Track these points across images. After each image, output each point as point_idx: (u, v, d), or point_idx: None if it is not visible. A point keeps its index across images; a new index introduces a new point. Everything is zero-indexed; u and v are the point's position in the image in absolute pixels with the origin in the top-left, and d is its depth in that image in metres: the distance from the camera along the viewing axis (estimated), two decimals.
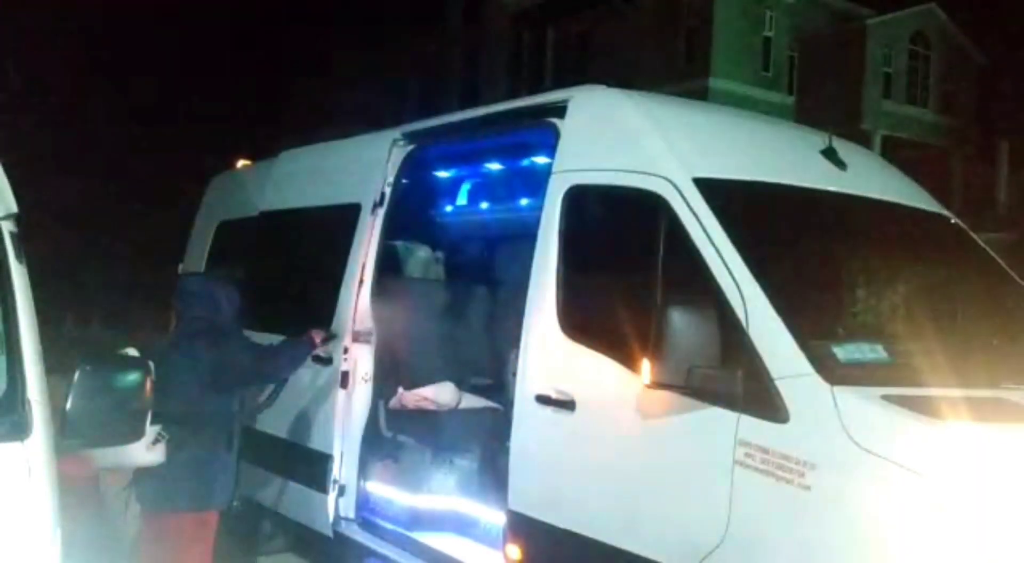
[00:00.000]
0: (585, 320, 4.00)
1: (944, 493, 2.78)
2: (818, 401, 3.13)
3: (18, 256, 2.50)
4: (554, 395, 4.03)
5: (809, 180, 4.10)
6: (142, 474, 4.43)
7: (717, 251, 3.53)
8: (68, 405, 2.35)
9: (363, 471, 5.46)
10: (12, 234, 2.53)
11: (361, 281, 5.44)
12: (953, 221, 4.56)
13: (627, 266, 3.93)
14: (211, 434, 4.47)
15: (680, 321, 3.37)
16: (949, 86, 30.70)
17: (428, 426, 5.35)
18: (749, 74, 27.07)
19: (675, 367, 3.37)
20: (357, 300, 5.44)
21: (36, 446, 2.22)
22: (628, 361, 3.71)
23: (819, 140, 4.44)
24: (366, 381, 5.44)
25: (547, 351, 4.13)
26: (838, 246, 3.92)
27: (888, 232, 4.15)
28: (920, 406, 3.00)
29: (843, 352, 3.33)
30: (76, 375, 2.37)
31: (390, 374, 5.55)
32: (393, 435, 5.47)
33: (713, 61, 25.92)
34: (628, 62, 26.09)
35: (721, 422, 3.34)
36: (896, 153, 21.62)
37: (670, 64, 25.65)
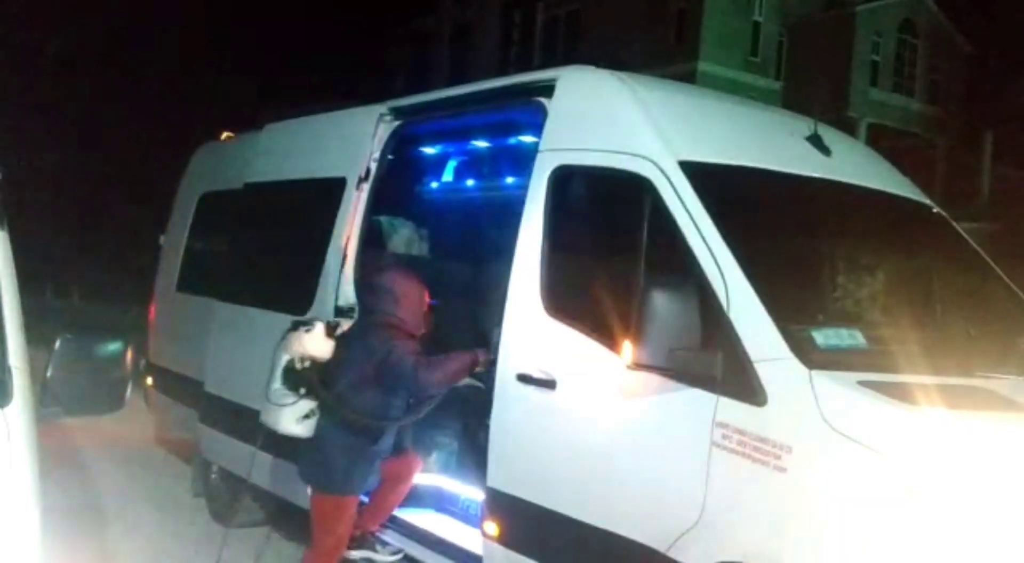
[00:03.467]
0: (568, 300, 4.02)
1: (916, 478, 2.82)
2: (795, 385, 3.16)
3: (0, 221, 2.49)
4: (535, 374, 4.05)
5: (794, 166, 4.11)
6: (303, 450, 4.61)
7: (700, 234, 3.55)
8: (48, 373, 2.35)
9: None
10: None
11: (345, 257, 5.44)
12: (935, 210, 4.60)
13: (611, 247, 3.95)
14: (364, 425, 4.48)
15: (662, 303, 3.39)
16: (936, 75, 30.83)
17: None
18: (738, 59, 27.06)
19: (656, 348, 3.40)
20: (340, 276, 5.44)
21: (16, 413, 2.21)
22: (610, 341, 3.73)
23: (805, 126, 4.45)
24: None
25: (529, 330, 4.14)
26: (820, 232, 3.95)
27: (870, 220, 4.18)
28: (895, 392, 3.04)
29: (821, 337, 3.36)
30: (57, 344, 2.36)
31: None
32: None
33: (702, 45, 25.89)
34: (617, 43, 26.02)
35: (700, 403, 3.36)
36: (881, 141, 21.71)
37: (659, 46, 25.59)
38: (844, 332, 3.43)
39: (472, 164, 6.88)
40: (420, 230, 6.78)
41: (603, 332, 3.78)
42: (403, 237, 6.65)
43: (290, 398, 4.53)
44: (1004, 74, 29.89)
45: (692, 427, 3.37)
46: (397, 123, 5.52)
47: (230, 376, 6.31)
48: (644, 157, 3.85)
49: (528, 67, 29.26)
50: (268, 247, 6.35)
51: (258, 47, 24.84)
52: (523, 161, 6.02)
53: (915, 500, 2.79)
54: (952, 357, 3.49)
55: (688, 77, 24.90)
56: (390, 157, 5.55)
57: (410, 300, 4.63)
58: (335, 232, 5.52)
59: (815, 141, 4.32)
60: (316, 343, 4.61)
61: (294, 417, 4.53)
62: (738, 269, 3.43)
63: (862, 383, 3.10)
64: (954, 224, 4.57)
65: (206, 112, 22.04)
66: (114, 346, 2.48)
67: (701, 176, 3.73)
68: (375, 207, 5.55)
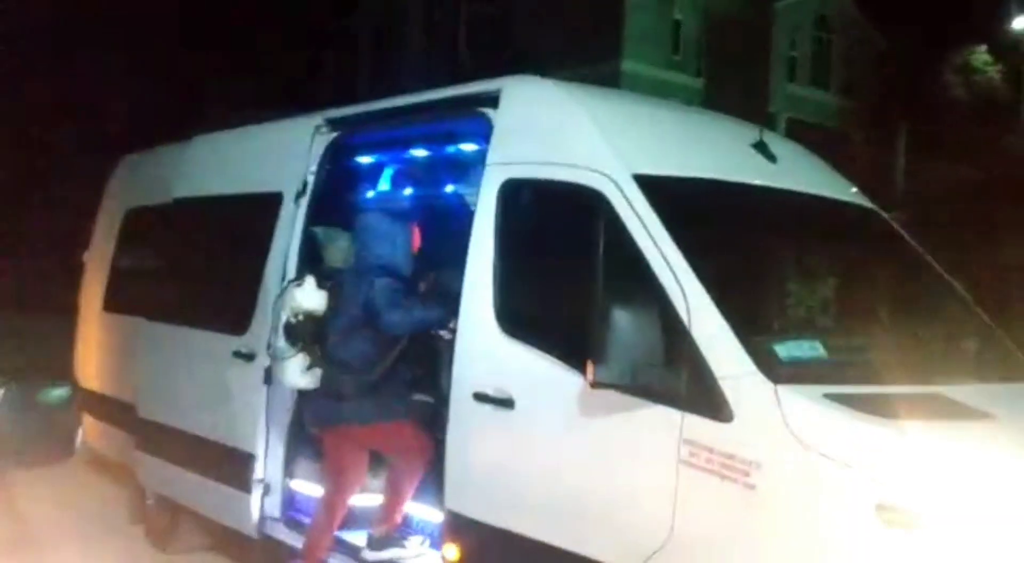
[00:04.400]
0: (523, 317, 3.95)
1: (889, 491, 2.82)
2: (762, 400, 3.14)
3: None
4: (492, 393, 3.96)
5: (743, 175, 4.11)
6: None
7: (658, 250, 3.51)
8: None
9: (289, 469, 5.33)
10: None
11: (284, 274, 5.27)
12: (877, 214, 4.64)
13: (566, 262, 3.86)
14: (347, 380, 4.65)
15: (623, 320, 3.33)
16: (851, 70, 31.58)
17: None
18: (660, 57, 27.30)
19: (618, 366, 3.33)
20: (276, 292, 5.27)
21: None
22: (569, 359, 3.67)
23: (749, 132, 4.46)
24: None
25: (484, 347, 4.05)
26: (773, 242, 3.95)
27: (819, 227, 4.20)
28: (862, 405, 3.04)
29: (784, 350, 3.35)
30: (0, 394, 2.20)
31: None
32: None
33: (624, 44, 26.04)
34: (541, 43, 26.04)
35: (665, 421, 3.33)
36: (800, 135, 22.10)
37: (582, 46, 25.63)
38: (805, 344, 3.43)
39: (409, 172, 6.74)
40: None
41: (562, 350, 3.72)
42: (340, 249, 6.45)
43: (289, 352, 4.70)
44: (917, 68, 30.79)
45: (658, 445, 3.33)
46: (334, 135, 5.38)
47: (166, 400, 6.08)
48: (597, 171, 3.79)
49: (452, 68, 29.22)
50: (202, 265, 6.13)
51: (175, 50, 24.08)
52: (462, 169, 5.95)
53: (888, 515, 2.79)
54: (909, 364, 3.51)
55: (612, 76, 25.06)
56: (327, 168, 5.41)
57: (396, 239, 4.83)
58: (273, 249, 5.36)
59: (761, 148, 4.32)
60: (308, 296, 4.75)
61: (298, 370, 4.72)
62: (698, 283, 3.39)
63: (828, 396, 3.10)
64: (897, 228, 4.62)
65: (123, 117, 21.34)
66: (59, 392, 2.32)
67: (655, 189, 3.69)
68: (309, 218, 5.40)
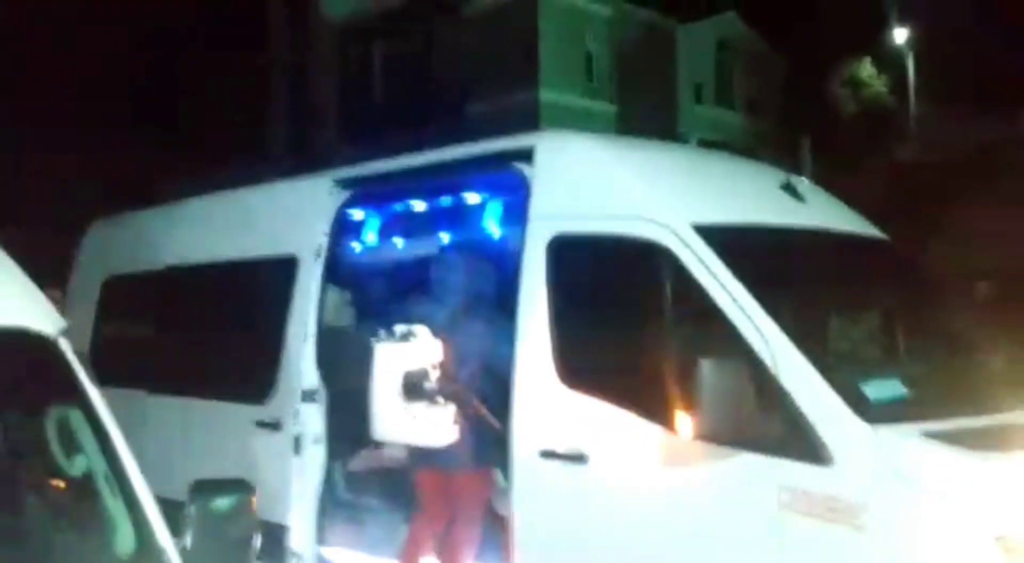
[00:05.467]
0: (590, 371, 3.98)
1: (1004, 525, 2.95)
2: (861, 442, 3.24)
3: (91, 377, 2.24)
4: (561, 449, 3.98)
5: (784, 218, 4.25)
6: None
7: (732, 298, 3.60)
8: (188, 543, 2.10)
9: (321, 537, 5.22)
10: (80, 354, 2.26)
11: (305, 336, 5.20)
12: (894, 246, 4.84)
13: (630, 315, 3.93)
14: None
15: (712, 372, 3.40)
16: (752, 89, 32.76)
17: (396, 485, 5.17)
18: (576, 85, 27.81)
19: (710, 418, 3.41)
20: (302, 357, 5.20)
21: None
22: (645, 411, 3.73)
23: (773, 174, 4.63)
24: (318, 443, 5.20)
25: (547, 404, 4.07)
26: (827, 282, 4.08)
27: (858, 264, 4.36)
28: (962, 440, 3.18)
29: (870, 390, 3.46)
30: (192, 510, 2.13)
31: (342, 432, 5.33)
32: (355, 497, 5.27)
33: (541, 74, 26.43)
34: (459, 76, 26.26)
35: (761, 468, 3.40)
36: None
37: (502, 78, 25.95)
38: (888, 382, 3.56)
39: (398, 223, 6.70)
40: (344, 295, 6.55)
41: (636, 402, 3.77)
42: (330, 304, 6.37)
43: (433, 408, 4.50)
44: (811, 84, 32.12)
45: (756, 493, 3.40)
46: (347, 194, 5.35)
47: (179, 476, 5.86)
48: (655, 222, 3.88)
49: (370, 102, 28.98)
50: (208, 333, 5.96)
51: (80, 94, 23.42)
52: (458, 218, 5.96)
53: (1007, 544, 2.92)
54: (976, 393, 3.68)
55: (531, 106, 25.45)
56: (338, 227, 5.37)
57: (484, 272, 4.94)
58: (293, 313, 5.27)
59: (789, 190, 4.48)
60: (430, 348, 4.58)
61: (449, 424, 4.53)
62: (777, 329, 3.50)
63: (927, 434, 3.22)
64: (912, 257, 4.84)
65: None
66: (226, 500, 2.25)
67: (714, 238, 3.79)
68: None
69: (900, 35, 30.51)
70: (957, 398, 3.57)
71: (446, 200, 5.86)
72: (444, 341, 4.62)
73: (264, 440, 5.27)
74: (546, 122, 25.63)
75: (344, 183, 5.36)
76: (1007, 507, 2.98)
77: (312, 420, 5.17)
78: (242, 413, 5.40)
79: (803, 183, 4.77)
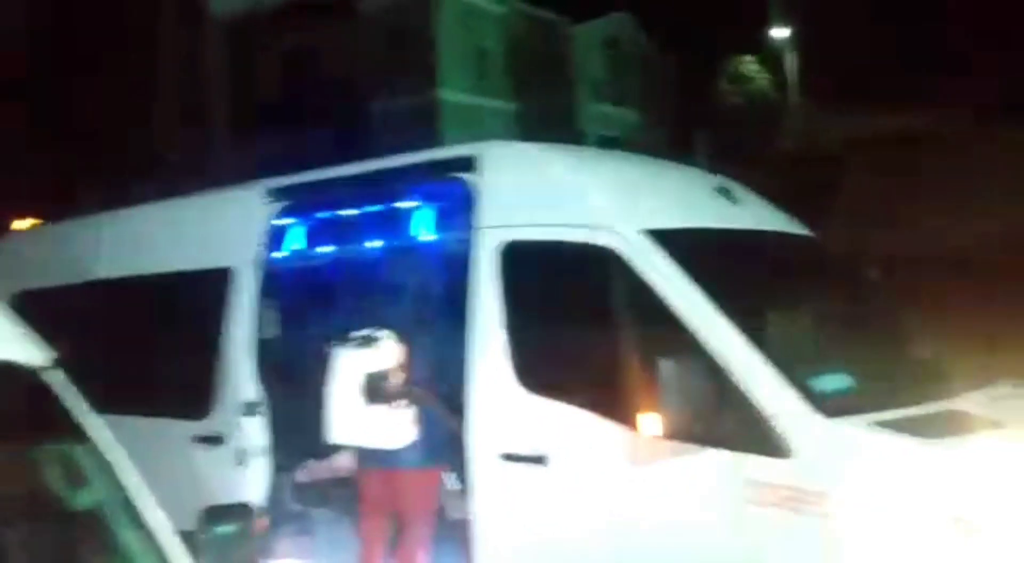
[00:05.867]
0: (549, 374, 4.05)
1: (962, 507, 3.15)
2: (818, 434, 3.41)
3: (89, 406, 2.19)
4: (524, 452, 4.04)
5: (724, 221, 4.41)
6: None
7: (686, 300, 3.73)
8: None
9: (270, 551, 5.15)
10: (74, 384, 2.21)
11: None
12: (820, 243, 5.07)
13: (586, 320, 4.01)
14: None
15: (671, 372, 3.52)
16: (647, 86, 33.47)
17: (345, 494, 5.14)
18: (473, 84, 27.91)
19: (673, 416, 3.53)
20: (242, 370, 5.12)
21: None
22: (606, 412, 3.82)
23: (708, 179, 4.80)
24: (262, 455, 5.13)
25: (507, 407, 4.13)
26: (768, 281, 4.25)
27: (792, 261, 4.56)
28: (912, 429, 3.37)
29: (820, 384, 3.64)
30: (202, 537, 2.11)
31: (286, 443, 5.26)
32: (303, 509, 5.22)
33: (439, 73, 26.44)
34: (355, 76, 26.00)
35: (722, 464, 3.53)
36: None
37: (399, 77, 25.84)
38: (836, 376, 3.74)
39: (325, 229, 6.63)
40: (268, 303, 6.45)
41: (595, 404, 3.86)
42: (273, 320, 6.30)
43: (395, 409, 4.57)
44: (700, 79, 33.05)
45: (720, 488, 3.53)
46: (282, 204, 5.29)
47: None
48: (607, 229, 3.98)
49: (264, 101, 28.32)
50: (135, 349, 5.78)
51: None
52: (388, 225, 5.94)
53: (963, 525, 3.12)
54: (921, 382, 3.91)
55: (431, 105, 25.42)
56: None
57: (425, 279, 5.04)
58: (230, 324, 5.18)
59: (724, 193, 4.65)
60: (395, 351, 4.66)
61: (412, 424, 4.61)
62: (733, 329, 3.64)
63: (878, 424, 3.41)
64: (837, 253, 5.09)
65: None
66: (243, 522, 2.23)
67: (665, 243, 3.91)
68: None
69: (782, 32, 31.61)
70: (899, 389, 3.79)
71: (378, 208, 5.83)
72: (404, 343, 4.67)
73: (206, 455, 5.16)
74: (445, 121, 25.68)
75: (277, 193, 5.30)
76: (960, 489, 3.18)
77: (255, 433, 5.10)
78: (181, 429, 5.28)
79: (735, 186, 4.95)
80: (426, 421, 4.65)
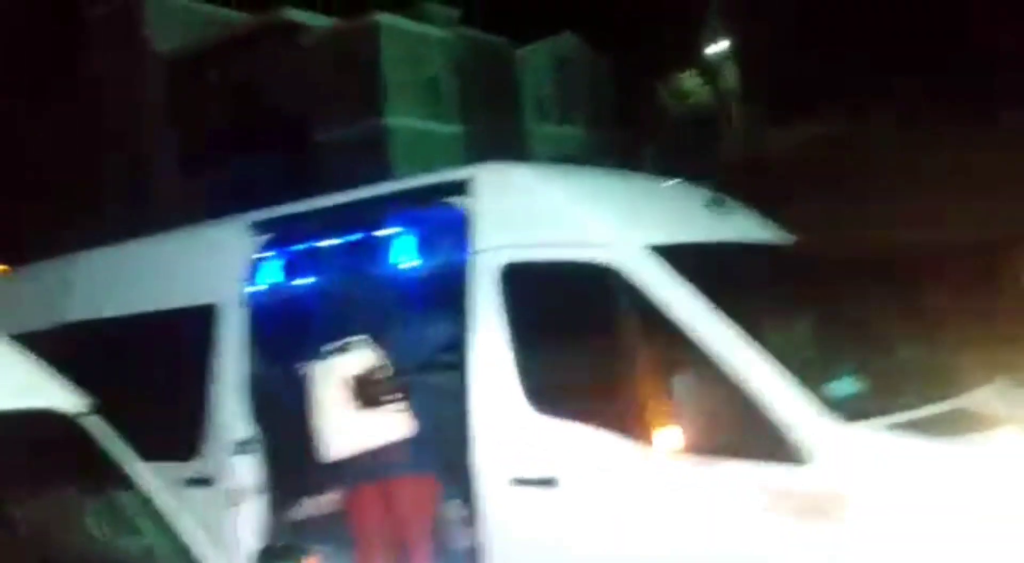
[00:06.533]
0: (560, 394, 4.02)
1: (982, 505, 3.18)
2: (834, 439, 3.43)
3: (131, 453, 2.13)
4: (534, 475, 4.00)
5: (720, 233, 4.44)
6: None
7: (695, 313, 3.74)
8: None
9: None
10: (113, 431, 2.14)
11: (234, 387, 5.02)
12: (803, 248, 5.11)
13: (594, 338, 4.00)
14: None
15: (685, 386, 3.53)
16: (592, 104, 33.81)
17: (342, 529, 5.03)
18: (422, 110, 27.90)
19: (688, 430, 3.53)
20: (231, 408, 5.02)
21: None
22: (619, 430, 3.80)
23: (697, 192, 4.83)
24: (255, 494, 5.02)
25: (515, 431, 4.09)
26: (768, 290, 4.28)
27: (788, 269, 4.59)
28: (926, 429, 3.41)
29: (832, 389, 3.67)
30: None
31: (279, 480, 5.16)
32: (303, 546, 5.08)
33: (387, 100, 26.38)
34: (302, 106, 25.85)
35: (742, 475, 3.53)
36: None
37: (347, 105, 25.74)
38: (846, 381, 3.77)
39: (309, 261, 6.54)
40: (254, 339, 6.32)
41: (608, 422, 3.84)
42: (252, 352, 6.18)
43: (390, 404, 4.56)
44: (644, 94, 33.55)
45: (740, 498, 3.53)
46: (266, 237, 5.21)
47: None
48: (609, 246, 3.98)
49: (210, 134, 28.01)
50: (118, 392, 5.60)
51: None
52: (377, 253, 5.88)
53: (995, 526, 3.14)
54: (928, 382, 3.95)
55: (379, 132, 25.36)
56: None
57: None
58: (218, 364, 5.08)
59: (717, 206, 4.67)
60: (371, 351, 4.67)
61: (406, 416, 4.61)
62: (743, 340, 3.65)
63: (893, 426, 3.44)
64: (826, 257, 5.13)
65: None
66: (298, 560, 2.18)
67: (667, 257, 3.92)
68: None
69: (718, 47, 32.19)
70: (908, 390, 3.83)
71: (366, 237, 5.77)
72: (382, 343, 4.70)
73: (197, 497, 5.02)
74: (395, 147, 25.63)
75: (263, 226, 5.22)
76: (985, 487, 3.21)
77: (247, 472, 5.00)
78: (170, 472, 5.11)
79: (726, 198, 5.00)
80: (416, 421, 4.63)
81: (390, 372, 4.59)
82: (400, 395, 4.57)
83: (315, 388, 4.61)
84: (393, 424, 4.58)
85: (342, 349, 4.65)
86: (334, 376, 4.56)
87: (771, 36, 29.10)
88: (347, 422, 4.52)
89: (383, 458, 4.58)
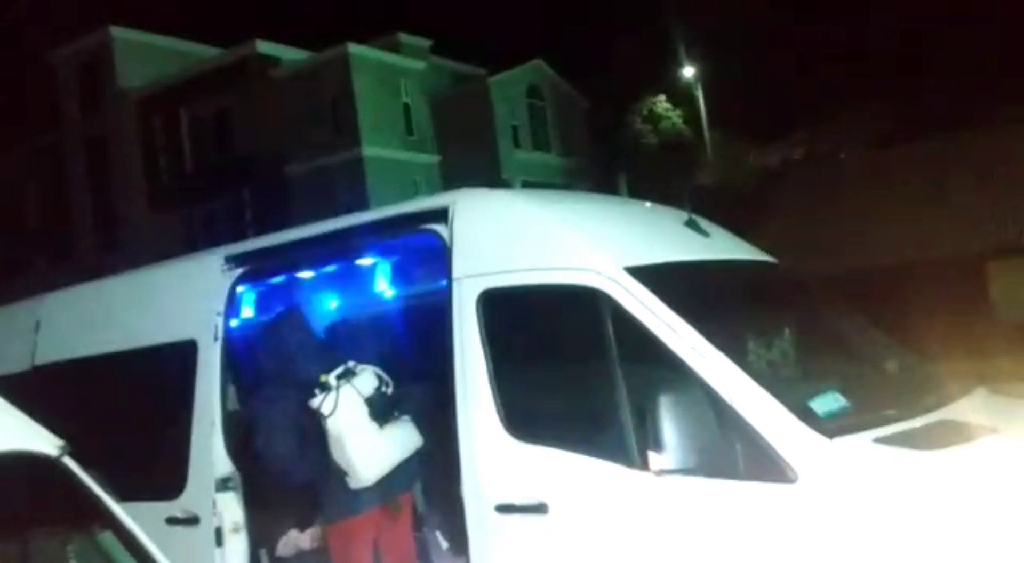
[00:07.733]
0: (538, 420, 4.00)
1: (974, 516, 3.17)
2: (822, 456, 3.42)
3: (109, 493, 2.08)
4: (519, 501, 3.96)
5: (699, 253, 4.45)
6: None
7: (677, 334, 3.72)
8: None
9: None
10: (91, 472, 2.10)
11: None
12: (781, 267, 5.15)
13: (575, 361, 3.99)
14: None
15: (671, 407, 3.50)
16: (565, 130, 34.05)
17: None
18: (396, 139, 27.96)
19: (675, 451, 3.51)
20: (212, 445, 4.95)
21: None
22: (604, 454, 3.77)
23: (674, 213, 4.85)
24: (239, 531, 4.95)
25: (498, 458, 4.05)
26: (750, 308, 4.29)
27: (766, 288, 4.62)
28: (912, 442, 3.41)
29: (818, 406, 3.66)
30: None
31: (262, 516, 5.08)
32: None
33: (361, 131, 26.40)
34: (275, 138, 25.83)
35: (731, 495, 3.51)
36: None
37: (320, 137, 25.75)
38: (829, 396, 3.76)
39: (287, 293, 6.50)
40: (234, 374, 6.26)
41: (592, 446, 3.81)
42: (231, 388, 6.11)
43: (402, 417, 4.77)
44: (616, 120, 33.87)
45: (730, 518, 3.51)
46: (241, 270, 5.17)
47: None
48: (588, 269, 3.97)
49: (180, 169, 27.96)
50: (95, 433, 5.50)
51: None
52: (356, 281, 5.86)
53: (974, 534, 3.15)
54: (909, 395, 3.96)
55: (354, 163, 25.34)
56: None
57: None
58: (197, 400, 5.01)
59: (693, 226, 4.69)
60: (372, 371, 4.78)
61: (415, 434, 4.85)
62: (726, 359, 3.64)
63: (879, 440, 3.44)
64: (798, 276, 5.17)
65: None
66: None
67: (648, 279, 3.91)
68: None
69: (689, 72, 32.58)
70: (891, 403, 3.83)
71: (344, 266, 5.74)
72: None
73: (180, 537, 4.94)
74: (371, 177, 25.64)
75: (237, 259, 5.18)
76: (968, 498, 3.21)
77: (230, 509, 4.93)
78: (152, 511, 5.04)
79: (702, 219, 5.02)
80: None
81: (391, 387, 4.71)
82: (409, 405, 4.73)
83: (334, 419, 4.49)
84: (412, 434, 4.73)
85: (347, 374, 4.63)
86: (353, 401, 4.54)
87: (742, 61, 29.51)
88: (376, 443, 4.55)
89: (406, 469, 4.69)
